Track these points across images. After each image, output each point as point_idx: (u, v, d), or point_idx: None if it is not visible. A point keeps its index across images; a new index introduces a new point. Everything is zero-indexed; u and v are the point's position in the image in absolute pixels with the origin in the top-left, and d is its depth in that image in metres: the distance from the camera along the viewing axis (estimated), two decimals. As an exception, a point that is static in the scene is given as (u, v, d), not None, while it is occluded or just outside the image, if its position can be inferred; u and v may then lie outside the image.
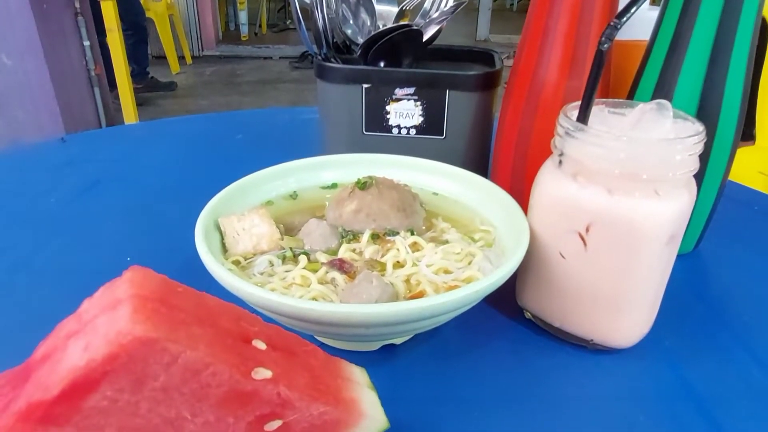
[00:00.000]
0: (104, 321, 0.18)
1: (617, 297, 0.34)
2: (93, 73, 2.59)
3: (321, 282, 0.33)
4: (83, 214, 0.55)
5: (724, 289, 0.46)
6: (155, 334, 0.18)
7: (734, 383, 0.35)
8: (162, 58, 3.97)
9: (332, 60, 0.57)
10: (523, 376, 0.36)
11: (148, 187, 0.62)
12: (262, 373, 0.20)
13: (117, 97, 2.62)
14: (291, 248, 0.36)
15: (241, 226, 0.36)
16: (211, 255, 0.32)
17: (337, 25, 0.58)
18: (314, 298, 0.31)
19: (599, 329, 0.36)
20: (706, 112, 0.42)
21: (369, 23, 0.59)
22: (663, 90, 0.43)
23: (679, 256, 0.37)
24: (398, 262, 0.35)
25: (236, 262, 0.35)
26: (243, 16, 5.04)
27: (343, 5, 0.59)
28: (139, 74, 3.24)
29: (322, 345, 0.35)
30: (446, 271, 0.35)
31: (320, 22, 0.56)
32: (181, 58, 4.20)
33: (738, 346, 0.38)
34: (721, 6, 0.40)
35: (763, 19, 0.41)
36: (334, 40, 0.58)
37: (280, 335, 0.23)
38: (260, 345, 0.21)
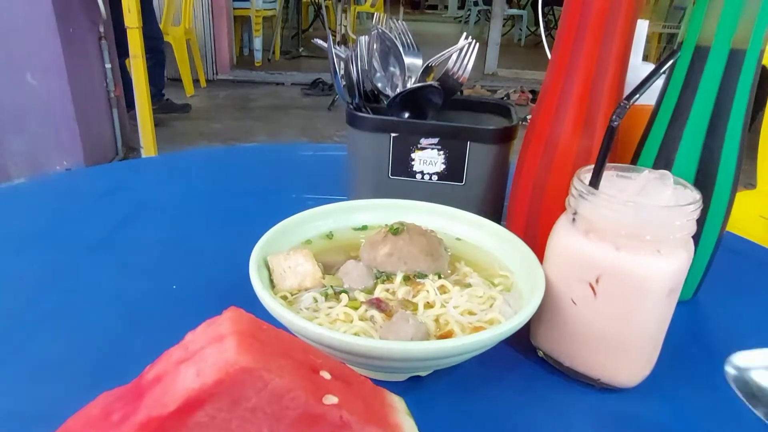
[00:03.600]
0: (212, 352, 0.22)
1: (622, 341, 0.39)
2: (112, 95, 2.68)
3: (361, 319, 0.37)
4: (127, 242, 0.60)
5: (720, 334, 0.50)
6: (255, 365, 0.22)
7: (727, 422, 0.39)
8: (177, 80, 4.07)
9: (363, 109, 0.62)
10: (535, 410, 0.40)
11: (185, 216, 0.67)
12: (330, 399, 0.24)
13: (133, 117, 2.70)
14: (332, 286, 0.40)
15: (287, 265, 0.41)
16: (266, 291, 0.36)
17: (368, 76, 0.64)
18: (356, 333, 0.36)
19: (606, 369, 0.40)
20: (704, 174, 0.46)
21: (398, 74, 0.64)
22: (665, 153, 0.48)
23: (679, 303, 0.41)
24: (428, 302, 0.39)
25: (284, 297, 0.40)
26: (257, 43, 5.18)
27: (375, 58, 0.64)
28: (154, 96, 3.33)
29: (356, 374, 0.40)
30: (470, 313, 0.39)
31: (354, 75, 0.61)
32: (196, 81, 4.31)
33: (731, 387, 0.42)
34: (719, 80, 0.45)
35: (763, 67, 0.46)
36: (364, 90, 0.64)
37: (338, 367, 0.28)
38: (326, 375, 0.26)
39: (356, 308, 0.38)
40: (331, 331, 0.32)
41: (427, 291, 0.40)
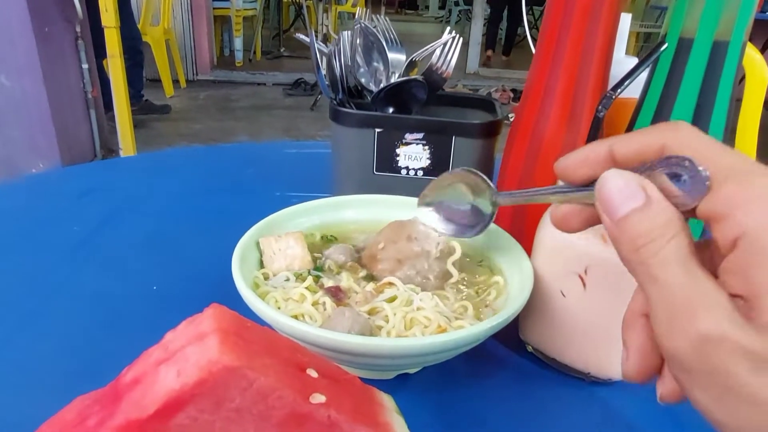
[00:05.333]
0: (194, 351, 0.21)
1: (612, 333, 0.38)
2: (90, 96, 2.63)
3: (314, 303, 0.38)
4: (106, 243, 0.58)
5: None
6: (239, 363, 0.21)
7: (715, 414, 0.39)
8: (156, 81, 4.02)
9: (346, 104, 0.62)
10: (525, 405, 0.39)
11: (166, 217, 0.65)
12: (318, 398, 0.23)
13: (111, 119, 2.65)
14: (309, 270, 0.41)
15: (278, 247, 0.41)
16: (249, 289, 0.35)
17: (351, 71, 0.63)
18: (296, 316, 0.36)
19: (595, 362, 0.40)
20: (688, 167, 0.46)
21: (381, 70, 0.64)
22: (650, 145, 0.48)
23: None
24: (392, 297, 0.39)
25: (265, 276, 0.40)
26: (238, 43, 5.13)
27: (358, 53, 0.63)
28: (133, 97, 3.28)
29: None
30: (428, 319, 0.38)
31: (338, 70, 0.60)
32: (176, 82, 4.25)
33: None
34: (703, 72, 0.45)
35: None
36: (348, 85, 0.63)
37: (325, 364, 0.27)
38: (313, 373, 0.25)
39: (315, 292, 0.38)
40: (316, 329, 0.32)
41: (397, 288, 0.39)
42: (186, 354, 0.21)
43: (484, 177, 0.34)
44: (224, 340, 0.21)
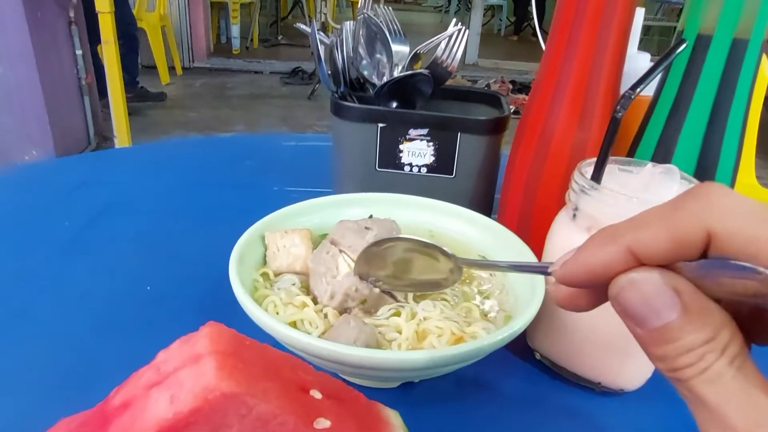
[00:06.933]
0: (188, 375, 0.20)
1: (624, 342, 0.37)
2: (84, 82, 2.59)
3: (316, 310, 0.36)
4: (98, 239, 0.56)
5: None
6: (237, 390, 0.19)
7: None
8: (152, 68, 3.96)
9: (348, 98, 0.60)
10: (533, 414, 0.38)
11: (160, 211, 0.63)
12: (323, 423, 0.22)
13: (106, 106, 2.61)
14: None
15: (282, 243, 0.39)
16: (250, 300, 0.33)
17: (354, 63, 0.61)
18: (293, 323, 0.35)
19: (607, 372, 0.38)
20: (703, 169, 0.45)
21: (385, 62, 0.61)
22: (664, 145, 0.46)
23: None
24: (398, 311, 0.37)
25: (264, 275, 0.38)
26: (235, 30, 5.06)
27: (360, 45, 0.61)
28: (129, 83, 3.23)
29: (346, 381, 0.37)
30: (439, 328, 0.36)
31: (339, 62, 0.58)
32: (172, 69, 4.19)
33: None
34: (721, 72, 0.43)
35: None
36: (350, 77, 0.61)
37: (329, 382, 0.25)
38: (317, 395, 0.23)
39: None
40: (320, 341, 0.30)
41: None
42: (180, 378, 0.20)
43: (436, 245, 0.32)
44: (222, 364, 0.20)
